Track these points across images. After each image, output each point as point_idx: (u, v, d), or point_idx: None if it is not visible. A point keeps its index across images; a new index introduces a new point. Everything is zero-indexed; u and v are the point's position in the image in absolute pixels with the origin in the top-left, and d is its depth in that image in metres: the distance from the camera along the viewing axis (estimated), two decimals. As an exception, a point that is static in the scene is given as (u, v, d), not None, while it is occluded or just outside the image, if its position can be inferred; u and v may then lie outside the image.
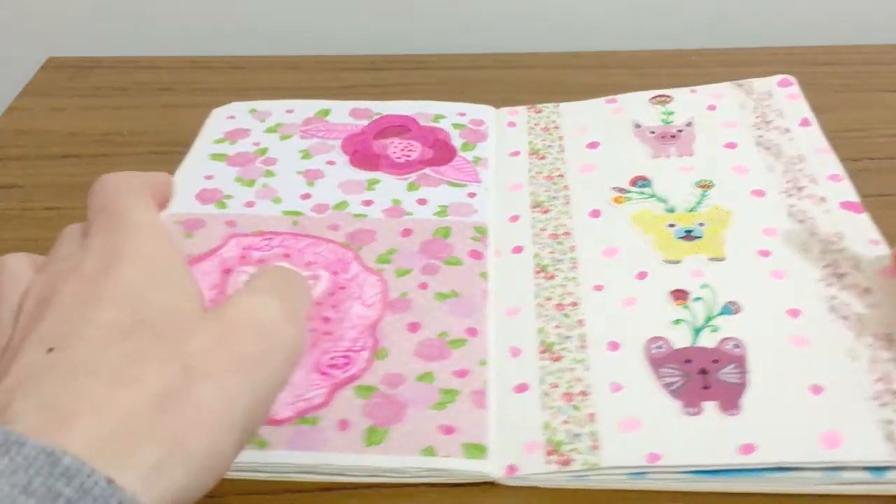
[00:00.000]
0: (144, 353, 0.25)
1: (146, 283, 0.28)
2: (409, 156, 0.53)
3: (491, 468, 0.36)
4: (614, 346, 0.41)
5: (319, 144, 0.53)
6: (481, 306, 0.43)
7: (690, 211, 0.48)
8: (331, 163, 0.52)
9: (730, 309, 0.42)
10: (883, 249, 0.44)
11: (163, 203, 0.38)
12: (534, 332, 0.42)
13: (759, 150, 0.52)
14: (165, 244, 0.30)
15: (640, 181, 0.50)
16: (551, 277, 0.45)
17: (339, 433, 0.37)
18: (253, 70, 0.65)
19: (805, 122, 0.53)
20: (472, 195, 0.50)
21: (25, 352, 0.26)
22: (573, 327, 0.42)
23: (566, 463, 0.36)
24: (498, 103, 0.58)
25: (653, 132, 0.54)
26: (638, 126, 0.55)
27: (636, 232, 0.47)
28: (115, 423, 0.23)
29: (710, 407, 0.38)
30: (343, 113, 0.56)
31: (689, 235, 0.46)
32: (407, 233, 0.47)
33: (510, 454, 0.37)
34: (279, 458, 0.36)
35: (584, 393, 0.39)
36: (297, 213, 0.48)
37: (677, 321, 0.42)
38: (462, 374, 0.39)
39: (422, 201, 0.49)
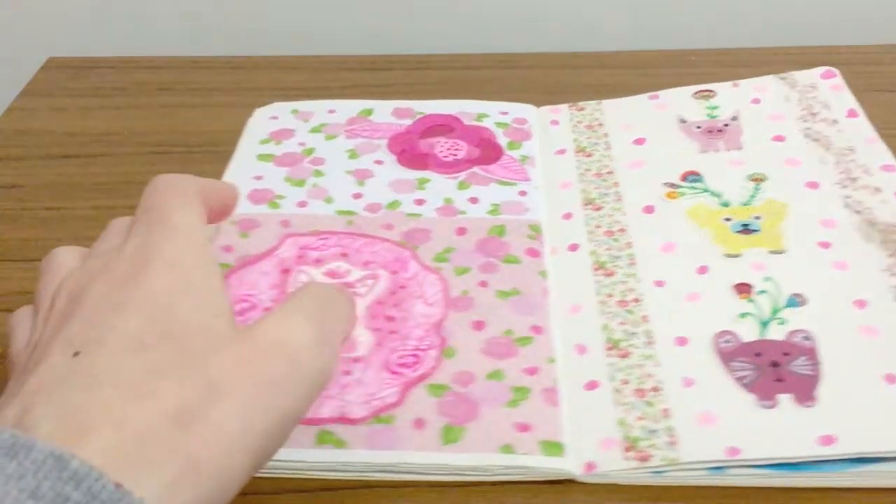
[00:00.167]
0: (167, 368, 0.25)
1: (175, 294, 0.27)
2: (455, 154, 0.52)
3: (570, 465, 0.36)
4: (682, 341, 0.40)
5: (365, 144, 0.53)
6: (543, 304, 0.42)
7: (745, 205, 0.48)
8: (379, 162, 0.51)
9: (795, 301, 0.42)
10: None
11: (221, 212, 0.37)
12: (598, 329, 0.41)
13: (809, 142, 0.52)
14: (201, 252, 0.29)
15: (691, 176, 0.50)
16: (610, 274, 0.44)
17: (415, 431, 0.36)
18: (253, 70, 0.64)
19: (852, 114, 0.53)
20: (523, 193, 0.49)
21: (52, 352, 0.26)
22: (638, 323, 0.42)
23: (645, 459, 0.36)
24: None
25: (699, 127, 0.54)
26: (683, 121, 0.55)
27: (692, 227, 0.47)
28: (132, 438, 0.23)
29: (784, 399, 0.37)
30: (386, 112, 0.56)
31: (746, 229, 0.46)
32: (462, 231, 0.46)
33: (586, 451, 0.36)
34: (359, 458, 0.35)
35: (655, 389, 0.38)
36: (350, 213, 0.47)
37: (743, 314, 0.41)
38: (532, 371, 0.39)
39: (473, 200, 0.49)
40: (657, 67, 0.63)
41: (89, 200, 0.52)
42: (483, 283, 0.43)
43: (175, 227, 0.29)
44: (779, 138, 0.52)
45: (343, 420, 0.36)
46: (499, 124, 0.55)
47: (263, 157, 0.52)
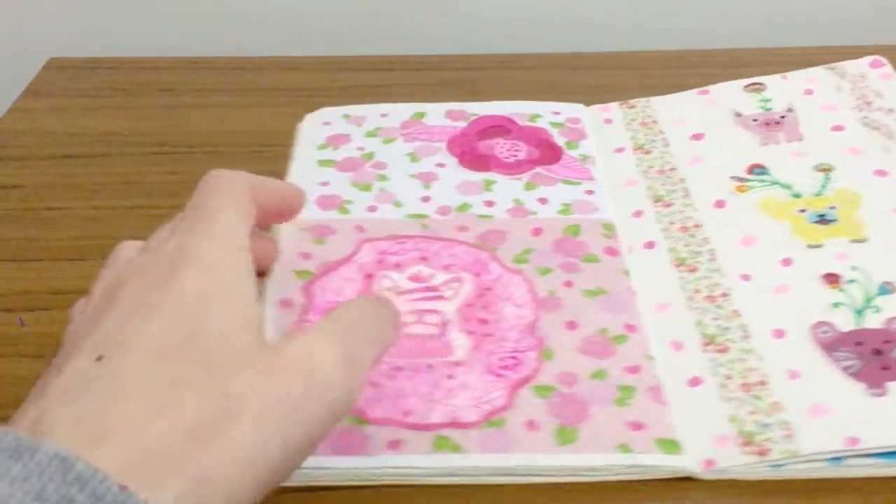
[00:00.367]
0: (188, 379, 0.25)
1: (205, 300, 0.27)
2: (516, 155, 0.52)
3: (689, 463, 0.35)
4: (779, 333, 0.40)
5: (424, 147, 0.52)
6: (631, 302, 0.42)
7: (817, 195, 0.47)
8: (441, 165, 0.51)
9: (886, 289, 0.41)
10: None
11: (283, 212, 0.37)
12: (691, 326, 0.41)
13: (869, 130, 0.51)
14: (239, 256, 0.29)
15: (757, 169, 0.50)
16: (693, 270, 0.44)
17: (528, 433, 0.35)
18: (253, 70, 0.64)
19: (907, 102, 0.53)
20: (590, 193, 0.49)
21: (80, 354, 0.26)
22: (730, 318, 0.41)
23: (764, 453, 0.35)
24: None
25: (755, 120, 0.54)
26: (739, 115, 0.54)
27: (768, 219, 0.46)
28: (145, 449, 0.23)
29: (893, 387, 0.37)
30: (439, 115, 0.55)
31: (822, 220, 0.46)
32: (537, 232, 0.46)
33: (702, 448, 0.36)
34: (475, 462, 0.34)
35: (762, 382, 0.38)
36: (422, 216, 0.47)
37: (836, 304, 0.41)
38: (634, 370, 0.38)
39: (543, 200, 0.48)
40: (657, 68, 0.63)
41: (90, 200, 0.51)
42: (568, 283, 0.43)
43: (216, 228, 0.29)
44: (838, 128, 0.52)
45: (455, 425, 0.36)
46: (553, 124, 0.54)
47: (324, 163, 0.51)
